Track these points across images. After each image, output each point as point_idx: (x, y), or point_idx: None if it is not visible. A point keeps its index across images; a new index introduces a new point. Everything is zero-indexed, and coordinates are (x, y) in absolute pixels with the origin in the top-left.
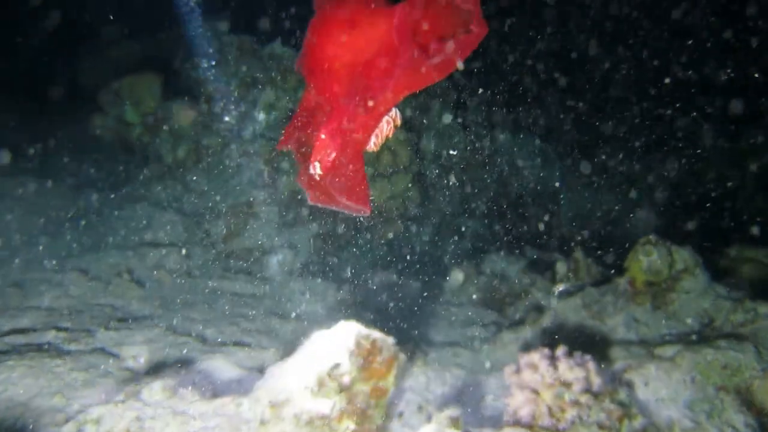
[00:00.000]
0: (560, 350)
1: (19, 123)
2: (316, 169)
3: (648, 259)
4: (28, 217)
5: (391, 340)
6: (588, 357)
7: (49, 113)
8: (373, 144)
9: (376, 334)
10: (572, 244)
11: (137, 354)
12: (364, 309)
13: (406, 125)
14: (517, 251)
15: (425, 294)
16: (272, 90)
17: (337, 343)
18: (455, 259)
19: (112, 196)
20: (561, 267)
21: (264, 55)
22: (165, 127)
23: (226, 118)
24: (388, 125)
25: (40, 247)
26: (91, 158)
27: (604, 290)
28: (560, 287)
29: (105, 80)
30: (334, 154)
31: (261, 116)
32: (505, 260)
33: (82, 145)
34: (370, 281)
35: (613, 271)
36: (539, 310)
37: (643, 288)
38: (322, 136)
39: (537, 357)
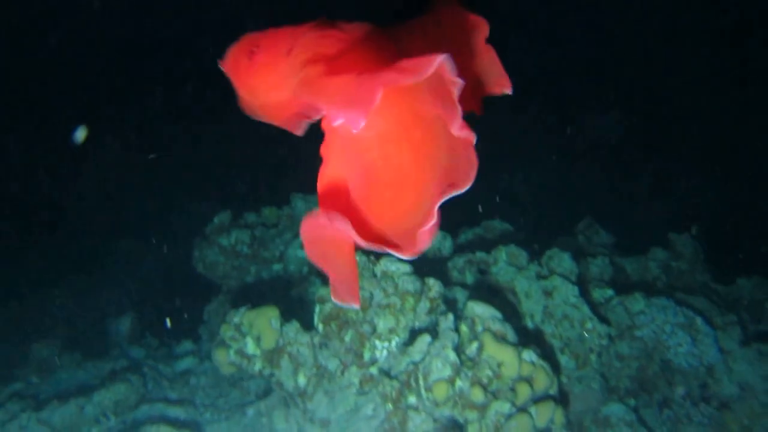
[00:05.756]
0: None
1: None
2: None
3: None
4: None
5: None
6: None
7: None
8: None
9: None
10: None
11: None
12: None
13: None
14: None
15: None
16: (390, 313)
17: None
18: None
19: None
20: None
21: (378, 273)
22: (285, 355)
23: (346, 338)
24: None
25: None
26: (214, 388)
27: None
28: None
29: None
30: None
31: (381, 344)
32: None
33: (204, 373)
34: None
35: None
36: None
37: None
38: None
39: None
